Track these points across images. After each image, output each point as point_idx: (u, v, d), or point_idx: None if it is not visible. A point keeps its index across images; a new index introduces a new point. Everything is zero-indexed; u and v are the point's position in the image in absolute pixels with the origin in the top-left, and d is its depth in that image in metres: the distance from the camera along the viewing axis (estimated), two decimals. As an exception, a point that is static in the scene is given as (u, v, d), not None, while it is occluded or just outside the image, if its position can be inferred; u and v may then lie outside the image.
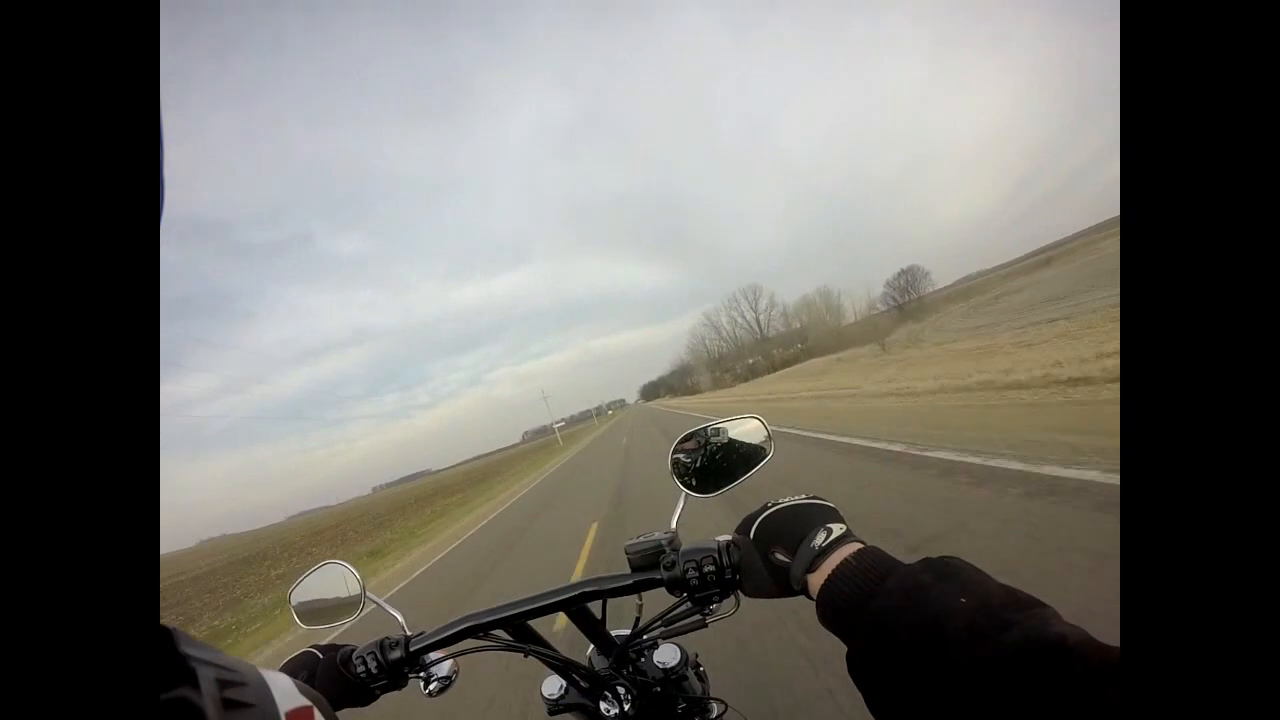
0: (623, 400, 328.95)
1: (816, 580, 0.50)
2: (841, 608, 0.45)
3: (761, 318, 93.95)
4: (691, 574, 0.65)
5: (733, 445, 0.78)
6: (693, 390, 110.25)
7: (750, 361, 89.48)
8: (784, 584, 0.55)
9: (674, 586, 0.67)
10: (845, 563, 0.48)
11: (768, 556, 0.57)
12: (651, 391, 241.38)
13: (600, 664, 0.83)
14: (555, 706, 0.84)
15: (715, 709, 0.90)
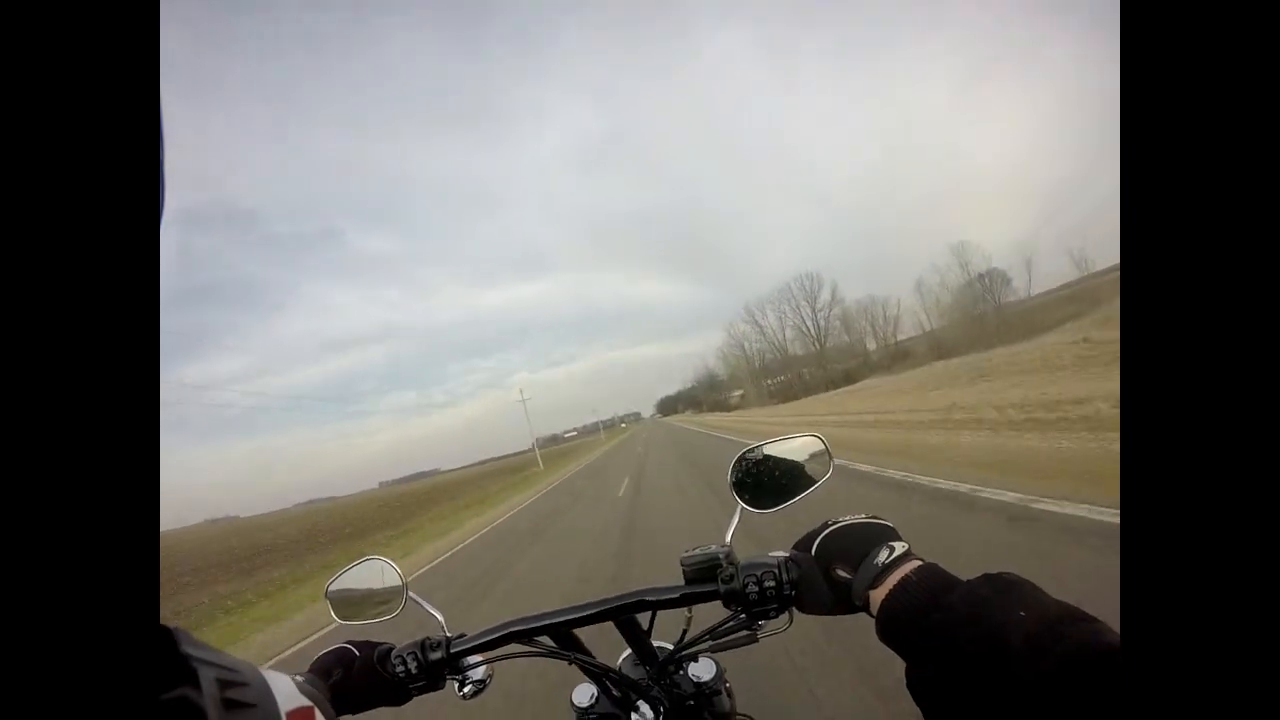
0: (638, 414, 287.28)
1: (878, 596, 0.50)
2: (903, 622, 0.46)
3: (820, 316, 65.23)
4: (752, 588, 0.64)
5: (792, 463, 0.78)
6: (723, 405, 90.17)
7: (803, 373, 66.35)
8: (845, 600, 0.56)
9: (731, 600, 0.67)
10: (907, 578, 0.49)
11: (829, 573, 0.57)
12: (669, 406, 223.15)
13: (635, 673, 0.82)
14: (585, 715, 0.83)
15: None
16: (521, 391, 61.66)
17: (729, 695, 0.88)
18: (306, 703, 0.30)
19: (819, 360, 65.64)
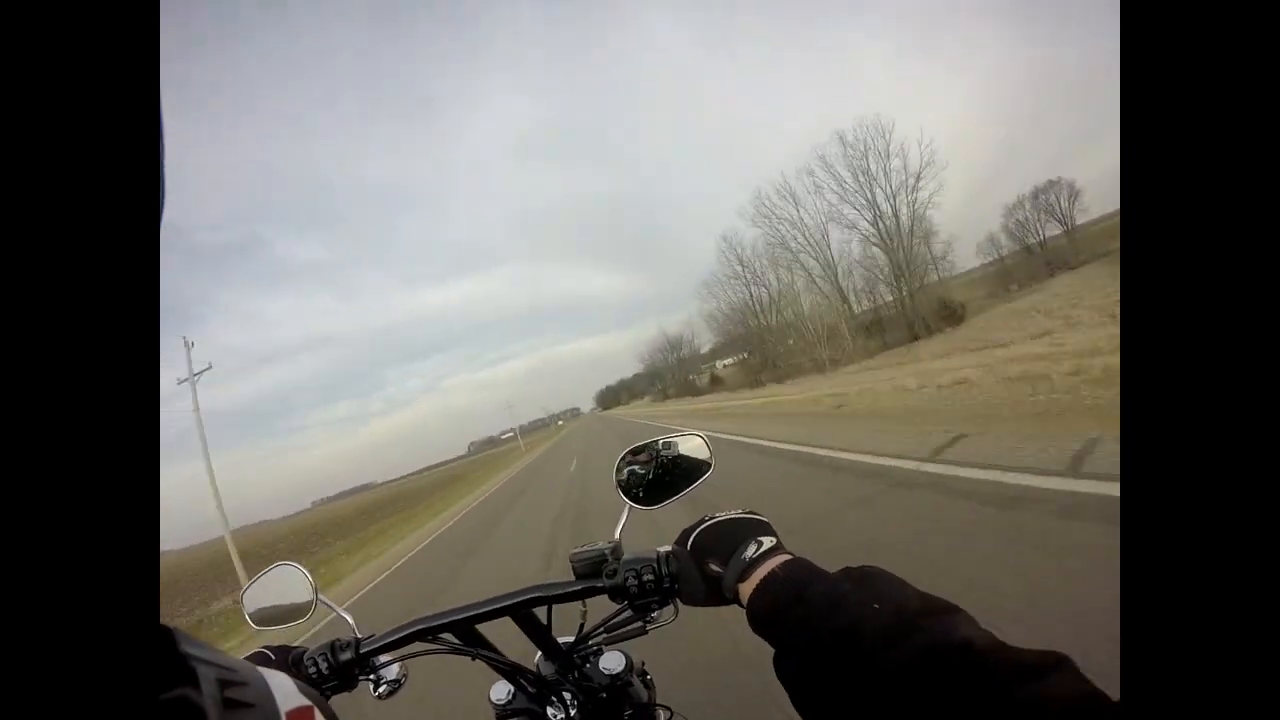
0: (577, 409, 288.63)
1: (746, 589, 0.53)
2: (768, 615, 0.48)
3: (902, 197, 33.26)
4: (631, 582, 0.68)
5: (677, 460, 0.82)
6: (691, 389, 64.86)
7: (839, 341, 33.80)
8: (718, 593, 0.58)
9: (615, 594, 0.70)
10: (773, 573, 0.51)
11: (703, 567, 0.60)
12: (611, 397, 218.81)
13: (548, 670, 0.84)
14: (503, 711, 0.84)
15: (661, 715, 0.92)
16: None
17: (647, 686, 0.90)
18: (306, 703, 0.30)
19: (898, 282, 31.77)
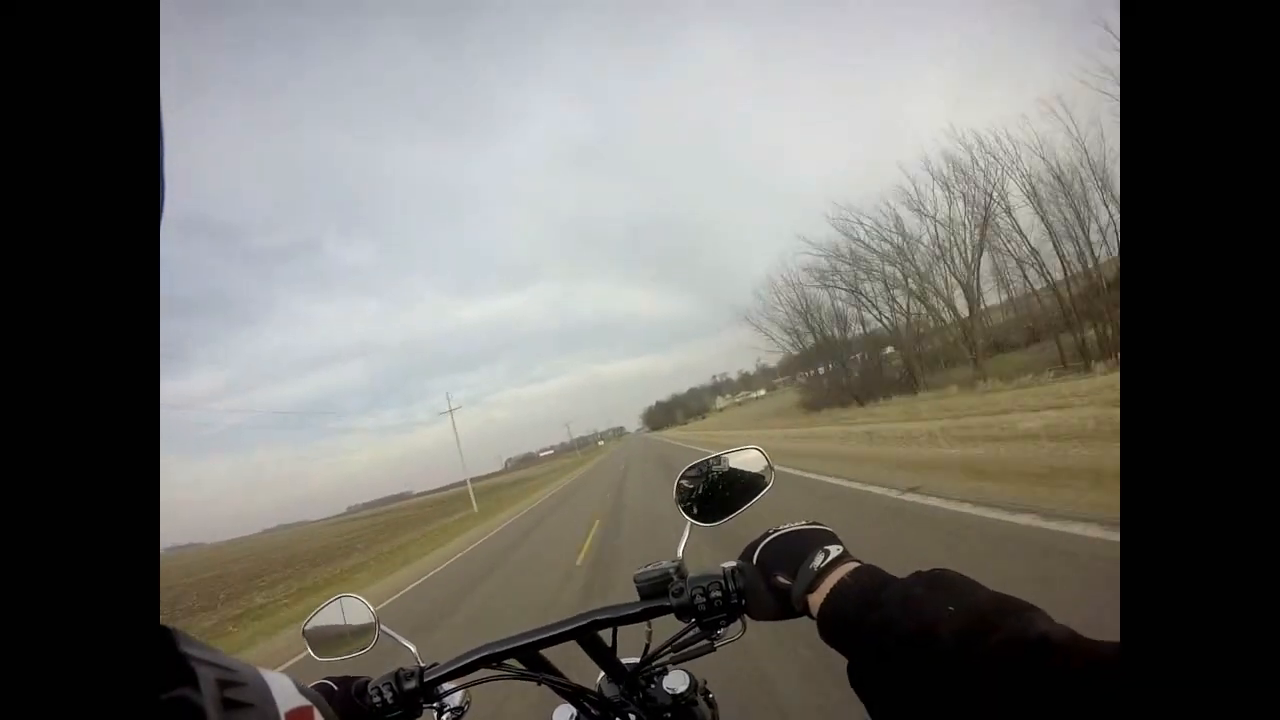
0: (622, 428, 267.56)
1: (816, 599, 0.52)
2: (840, 623, 0.48)
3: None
4: (699, 600, 0.67)
5: (734, 475, 0.81)
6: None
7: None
8: (787, 605, 0.58)
9: (682, 613, 0.70)
10: (842, 581, 0.51)
11: (770, 580, 0.59)
12: (662, 416, 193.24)
13: (610, 691, 0.84)
14: None
15: None
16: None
17: (710, 705, 0.89)
18: (305, 703, 0.30)
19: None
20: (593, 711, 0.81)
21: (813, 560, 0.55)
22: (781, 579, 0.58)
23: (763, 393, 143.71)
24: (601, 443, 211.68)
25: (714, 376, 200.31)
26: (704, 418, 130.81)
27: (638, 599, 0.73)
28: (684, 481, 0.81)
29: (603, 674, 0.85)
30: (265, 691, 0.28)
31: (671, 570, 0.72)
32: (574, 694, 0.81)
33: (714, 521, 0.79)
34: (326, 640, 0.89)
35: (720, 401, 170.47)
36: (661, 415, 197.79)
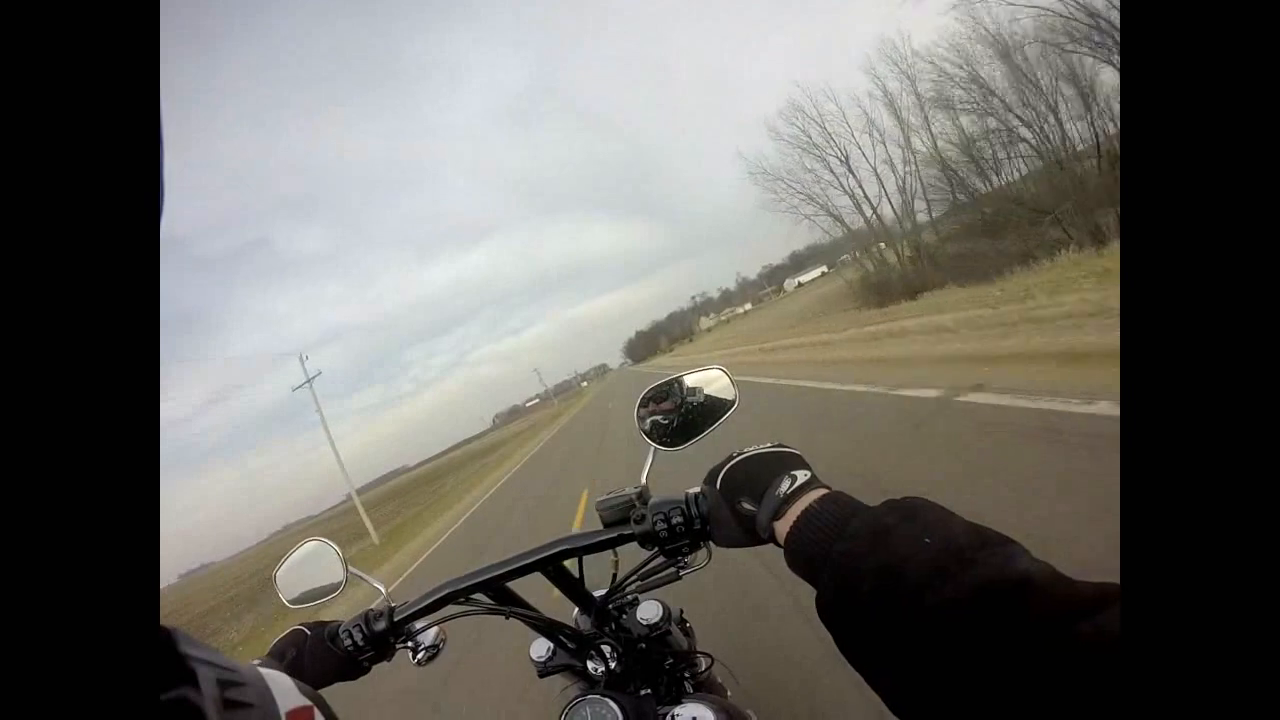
0: (604, 365, 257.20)
1: (782, 527, 0.50)
2: (807, 553, 0.46)
3: None
4: (660, 527, 0.65)
5: (699, 397, 0.79)
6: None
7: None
8: (752, 532, 0.55)
9: (645, 540, 0.68)
10: (810, 509, 0.48)
11: (735, 506, 0.57)
12: (644, 347, 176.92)
13: (585, 624, 0.83)
14: (544, 669, 0.84)
15: (703, 662, 0.92)
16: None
17: (687, 634, 0.89)
18: (306, 702, 0.30)
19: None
20: (568, 645, 0.81)
21: (779, 486, 0.52)
22: (746, 505, 0.55)
23: (748, 307, 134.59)
24: (585, 384, 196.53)
25: (693, 297, 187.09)
26: (691, 340, 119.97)
27: (601, 526, 0.72)
28: (646, 405, 0.79)
29: (577, 608, 0.85)
30: (266, 691, 0.28)
31: (634, 496, 0.71)
32: (548, 628, 0.80)
33: (678, 446, 0.77)
34: (297, 586, 0.89)
35: (705, 322, 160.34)
36: (643, 345, 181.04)
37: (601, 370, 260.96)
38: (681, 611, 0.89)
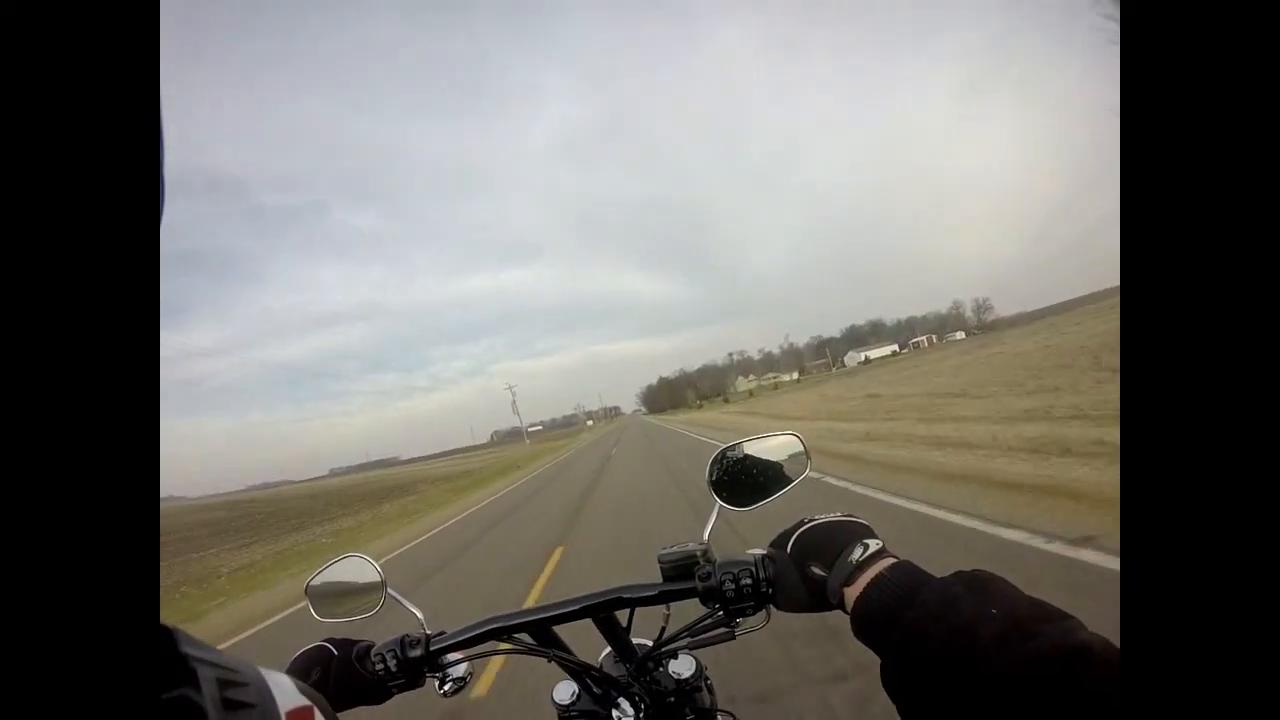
0: (617, 408, 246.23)
1: (853, 593, 0.51)
2: (876, 620, 0.47)
3: None
4: (729, 585, 0.65)
5: (769, 461, 0.79)
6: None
7: None
8: (820, 597, 0.56)
9: (709, 597, 0.67)
10: (880, 575, 0.49)
11: (804, 570, 0.58)
12: (667, 398, 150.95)
13: (614, 670, 0.82)
14: (566, 713, 0.83)
15: None
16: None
17: (710, 691, 0.88)
18: (306, 702, 0.30)
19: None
20: (595, 690, 0.80)
21: (851, 553, 0.53)
22: (817, 570, 0.56)
23: (796, 375, 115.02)
24: (590, 423, 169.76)
25: (730, 354, 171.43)
26: (727, 401, 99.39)
27: (660, 579, 0.71)
28: (717, 464, 0.79)
29: (606, 651, 0.84)
30: (266, 691, 0.27)
31: (698, 553, 0.70)
32: (580, 672, 0.80)
33: (745, 506, 0.77)
34: (330, 599, 0.87)
35: (743, 383, 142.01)
36: (666, 396, 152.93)
37: (613, 412, 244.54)
38: (705, 669, 0.87)
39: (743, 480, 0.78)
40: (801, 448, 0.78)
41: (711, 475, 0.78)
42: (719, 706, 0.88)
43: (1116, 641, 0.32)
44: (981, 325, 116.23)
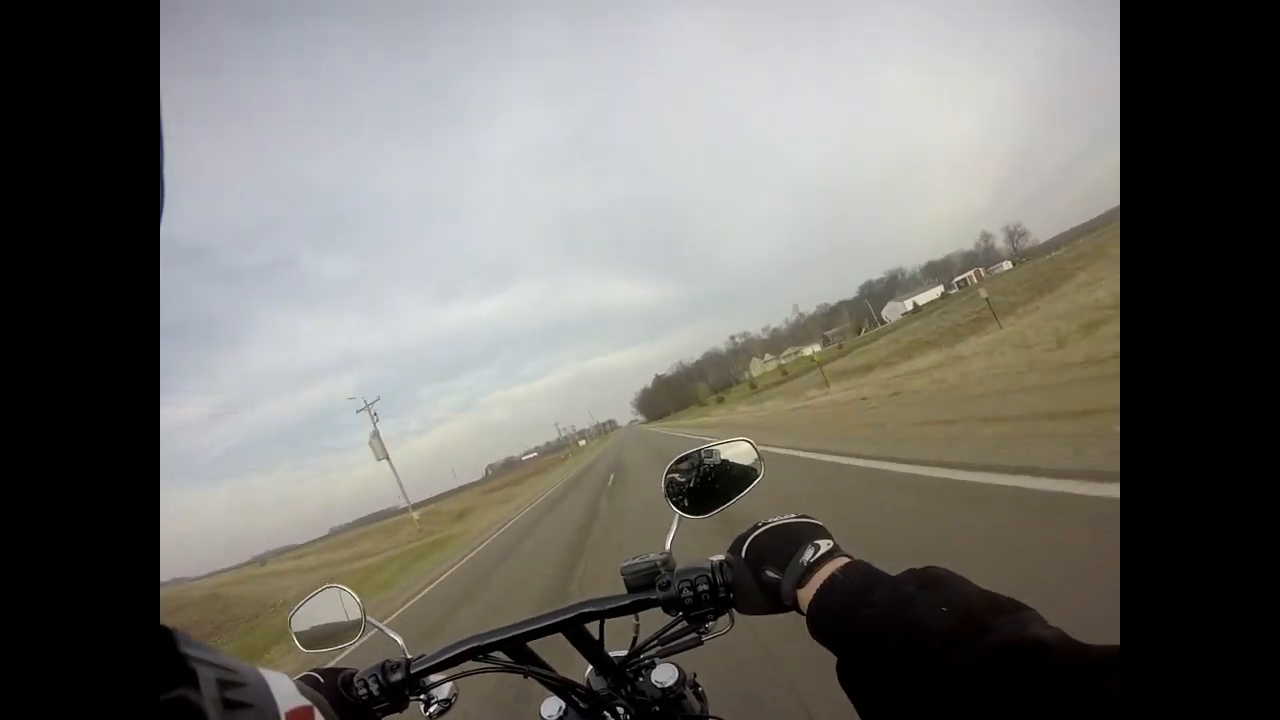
0: (612, 421, 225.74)
1: (806, 595, 0.52)
2: (830, 620, 0.47)
3: None
4: (686, 593, 0.67)
5: (725, 467, 0.80)
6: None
7: None
8: (776, 600, 0.57)
9: (670, 606, 0.69)
10: (833, 577, 0.50)
11: (759, 574, 0.59)
12: (669, 398, 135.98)
13: (599, 684, 0.83)
14: None
15: None
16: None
17: (699, 698, 0.89)
18: (306, 703, 0.30)
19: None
20: (581, 705, 0.82)
21: (802, 555, 0.54)
22: (770, 573, 0.57)
23: (817, 347, 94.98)
24: (582, 443, 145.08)
25: (732, 337, 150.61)
26: (753, 388, 75.43)
27: (625, 591, 0.73)
28: (673, 474, 0.81)
29: (591, 667, 0.85)
30: (265, 691, 0.27)
31: (659, 563, 0.72)
32: (562, 687, 0.81)
33: (703, 514, 0.78)
34: (314, 632, 0.89)
35: (758, 365, 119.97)
36: (666, 397, 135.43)
37: (608, 427, 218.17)
38: (694, 675, 0.88)
39: (699, 489, 0.80)
40: (755, 453, 0.80)
41: (668, 486, 0.80)
42: (710, 714, 0.89)
43: (1086, 637, 0.33)
44: (1019, 253, 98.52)
